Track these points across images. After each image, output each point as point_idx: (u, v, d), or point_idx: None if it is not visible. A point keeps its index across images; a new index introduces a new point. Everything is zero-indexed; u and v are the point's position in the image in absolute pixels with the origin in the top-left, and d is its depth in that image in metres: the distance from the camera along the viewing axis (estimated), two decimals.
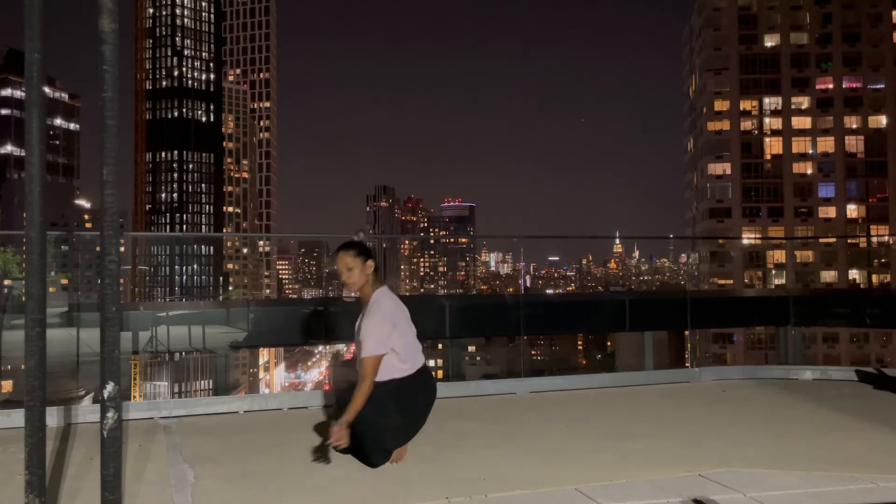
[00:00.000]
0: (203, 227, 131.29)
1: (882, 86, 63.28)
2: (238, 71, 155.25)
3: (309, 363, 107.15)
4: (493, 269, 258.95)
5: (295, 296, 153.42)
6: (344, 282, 3.29)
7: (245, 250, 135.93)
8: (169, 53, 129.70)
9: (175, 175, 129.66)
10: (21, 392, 2.27)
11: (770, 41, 64.12)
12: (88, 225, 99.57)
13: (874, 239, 69.41)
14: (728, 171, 64.40)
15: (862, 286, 57.89)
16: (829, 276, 58.49)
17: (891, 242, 58.46)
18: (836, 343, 51.11)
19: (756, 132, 64.58)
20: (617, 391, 4.93)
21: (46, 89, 3.57)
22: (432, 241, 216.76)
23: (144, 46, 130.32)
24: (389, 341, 3.15)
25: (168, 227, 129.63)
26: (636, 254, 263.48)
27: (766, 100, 64.35)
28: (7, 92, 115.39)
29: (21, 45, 2.35)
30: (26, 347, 2.20)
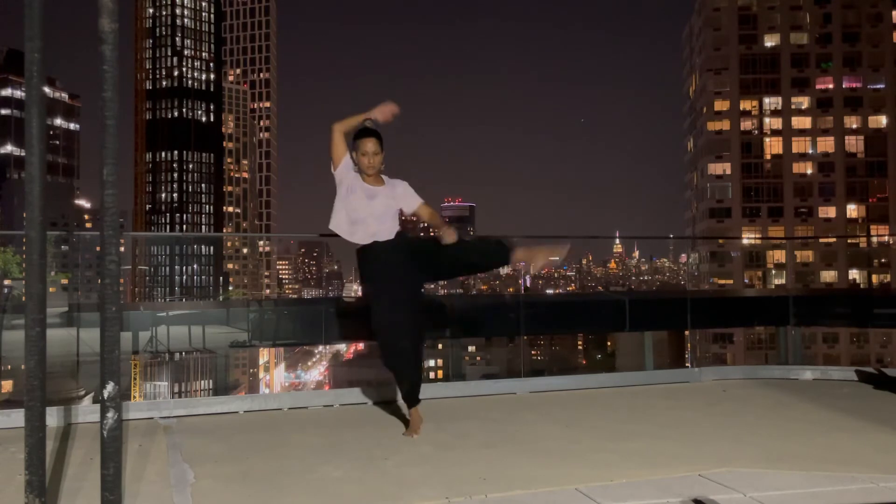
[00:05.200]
0: (203, 227, 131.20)
1: (882, 86, 63.27)
2: (238, 71, 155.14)
3: (309, 363, 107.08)
4: None
5: (295, 296, 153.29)
6: (367, 164, 3.44)
7: (245, 250, 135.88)
8: (169, 53, 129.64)
9: (175, 175, 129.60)
10: (21, 392, 2.27)
11: (770, 41, 64.10)
12: (88, 225, 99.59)
13: (874, 239, 69.44)
14: (728, 171, 64.40)
15: (862, 286, 57.87)
16: (829, 276, 58.48)
17: (891, 242, 58.45)
18: (836, 343, 51.04)
19: (756, 132, 64.57)
20: (617, 391, 4.92)
21: (46, 89, 3.58)
22: None
23: (144, 46, 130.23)
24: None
25: (168, 227, 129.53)
26: (636, 254, 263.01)
27: (766, 100, 64.34)
28: (7, 92, 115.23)
29: (21, 45, 2.35)
30: (26, 347, 2.20)
